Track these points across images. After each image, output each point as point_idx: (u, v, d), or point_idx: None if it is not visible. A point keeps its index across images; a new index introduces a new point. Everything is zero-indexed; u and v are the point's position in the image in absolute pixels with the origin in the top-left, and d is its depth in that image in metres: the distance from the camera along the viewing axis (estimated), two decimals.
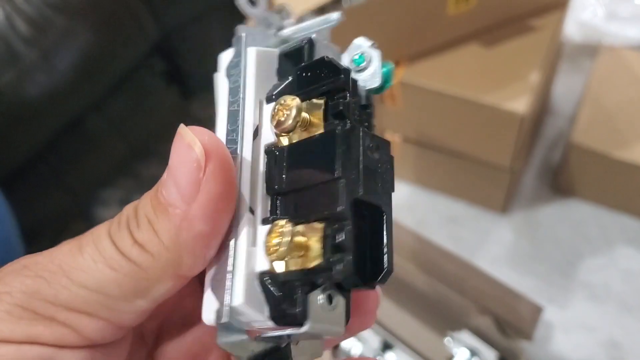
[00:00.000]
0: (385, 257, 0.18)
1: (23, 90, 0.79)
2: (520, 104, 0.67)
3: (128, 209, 0.19)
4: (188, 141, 0.17)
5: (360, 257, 0.17)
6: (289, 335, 0.18)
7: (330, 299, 0.17)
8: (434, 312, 0.61)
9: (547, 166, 0.90)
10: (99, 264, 0.17)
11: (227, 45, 0.23)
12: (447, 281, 0.56)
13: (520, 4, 0.72)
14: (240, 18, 0.80)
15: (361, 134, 0.18)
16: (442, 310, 0.60)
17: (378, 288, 0.19)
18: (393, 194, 0.19)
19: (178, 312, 0.23)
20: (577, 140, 0.78)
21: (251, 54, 0.21)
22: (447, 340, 0.58)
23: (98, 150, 0.97)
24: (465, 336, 0.57)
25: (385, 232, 0.18)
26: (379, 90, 0.20)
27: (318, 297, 0.17)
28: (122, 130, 0.98)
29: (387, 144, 0.19)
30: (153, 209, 0.18)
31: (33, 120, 0.82)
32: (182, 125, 0.18)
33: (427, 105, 0.73)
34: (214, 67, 0.22)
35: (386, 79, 0.20)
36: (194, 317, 0.22)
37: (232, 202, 0.18)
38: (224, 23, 0.99)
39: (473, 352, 0.56)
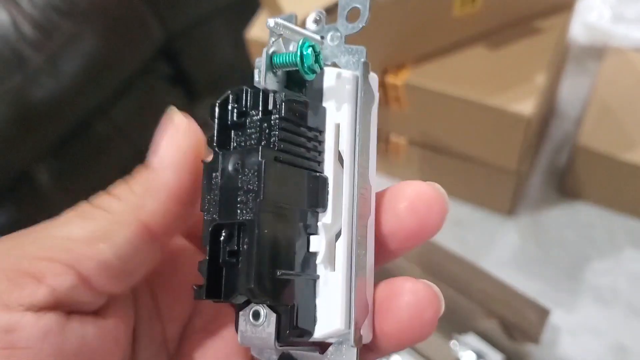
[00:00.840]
0: (241, 276, 0.18)
1: (29, 94, 0.79)
2: (526, 106, 0.66)
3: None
4: (169, 115, 0.20)
5: (214, 278, 0.19)
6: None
7: (255, 316, 0.19)
8: (441, 315, 0.61)
9: (553, 169, 0.89)
10: (70, 217, 0.19)
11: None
12: (453, 284, 0.55)
13: (526, 5, 0.72)
14: (245, 21, 0.80)
15: (220, 158, 0.19)
16: (448, 313, 0.60)
17: (412, 284, 0.20)
18: None
19: (200, 316, 0.23)
20: (583, 143, 0.77)
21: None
22: (453, 343, 0.58)
23: (104, 153, 0.97)
24: (471, 339, 0.57)
25: (246, 245, 0.18)
26: (307, 73, 0.20)
27: (242, 314, 0.19)
28: (128, 134, 0.98)
29: (256, 151, 0.19)
30: (133, 174, 0.20)
31: (39, 124, 0.82)
32: (172, 107, 0.20)
33: (433, 107, 0.72)
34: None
35: (305, 57, 0.20)
36: (217, 322, 0.22)
37: (196, 164, 0.19)
38: (229, 26, 0.99)
39: (479, 355, 0.56)
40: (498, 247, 0.84)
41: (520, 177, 0.80)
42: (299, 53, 0.19)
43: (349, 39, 0.23)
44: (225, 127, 0.20)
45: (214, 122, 0.20)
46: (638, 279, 0.78)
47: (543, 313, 0.53)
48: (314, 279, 0.20)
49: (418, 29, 0.68)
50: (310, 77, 0.20)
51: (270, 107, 0.19)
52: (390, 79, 0.71)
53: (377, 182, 0.22)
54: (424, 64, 0.72)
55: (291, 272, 0.19)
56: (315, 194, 0.20)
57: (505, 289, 0.55)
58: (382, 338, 0.20)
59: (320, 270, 0.20)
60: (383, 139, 0.83)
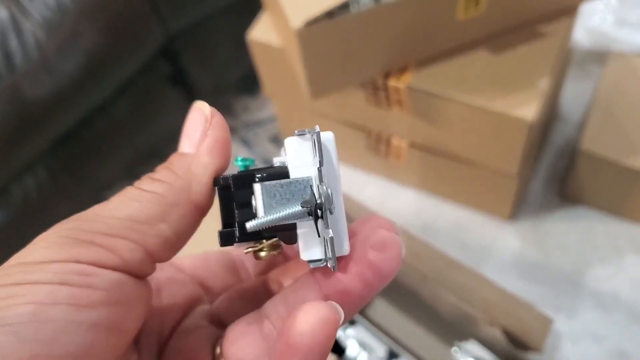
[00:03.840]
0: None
1: (28, 92, 0.79)
2: (529, 110, 0.66)
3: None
4: (199, 107, 0.24)
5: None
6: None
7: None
8: (441, 322, 0.60)
9: (554, 173, 0.89)
10: (125, 202, 0.22)
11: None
12: (455, 291, 0.55)
13: (530, 10, 0.71)
14: (246, 22, 0.79)
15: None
16: (449, 320, 0.59)
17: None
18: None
19: (189, 318, 0.27)
20: (586, 147, 0.77)
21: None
22: (454, 350, 0.57)
23: (103, 151, 0.97)
24: (472, 346, 0.56)
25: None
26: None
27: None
28: (128, 133, 0.98)
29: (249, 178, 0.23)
30: (169, 160, 0.23)
31: (38, 121, 0.82)
32: (197, 101, 0.24)
33: (435, 110, 0.72)
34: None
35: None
36: (198, 323, 0.26)
37: (229, 147, 0.24)
38: (230, 26, 0.99)
39: None
40: (498, 251, 0.83)
41: (522, 182, 0.80)
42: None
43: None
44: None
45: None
46: None
47: (546, 322, 0.53)
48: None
49: (421, 32, 0.68)
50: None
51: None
52: (393, 82, 0.70)
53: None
54: (426, 67, 0.71)
55: None
56: None
57: (508, 297, 0.55)
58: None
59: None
60: (384, 142, 0.82)
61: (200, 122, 0.23)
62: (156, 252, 0.22)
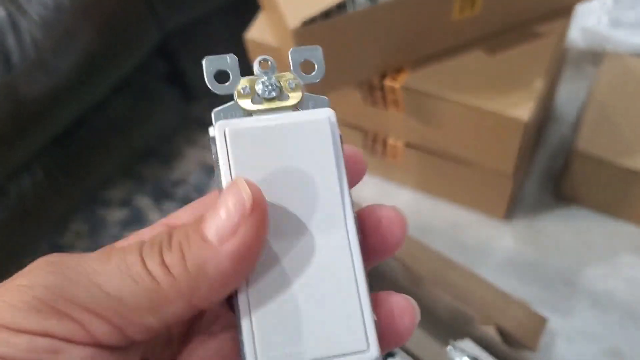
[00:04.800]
0: None
1: (25, 91, 0.78)
2: (524, 110, 0.66)
3: (162, 233, 0.20)
4: (241, 188, 0.20)
5: None
6: None
7: None
8: (437, 321, 0.61)
9: (549, 173, 0.89)
10: (123, 274, 0.19)
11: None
12: (451, 291, 0.55)
13: (525, 10, 0.72)
14: (243, 21, 0.79)
15: None
16: (444, 318, 0.59)
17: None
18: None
19: (206, 319, 0.24)
20: (580, 147, 0.77)
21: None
22: (449, 348, 0.57)
23: (99, 150, 0.97)
24: (468, 345, 0.57)
25: None
26: None
27: None
28: (124, 131, 0.98)
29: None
30: (187, 237, 0.20)
31: (35, 120, 0.82)
32: (239, 177, 0.20)
33: (430, 110, 0.72)
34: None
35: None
36: (218, 326, 0.23)
37: (257, 255, 0.20)
38: (226, 25, 0.99)
39: None
40: (494, 251, 0.84)
41: (517, 181, 0.80)
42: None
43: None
44: None
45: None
46: (634, 284, 0.78)
47: (541, 321, 0.53)
48: None
49: (417, 32, 0.68)
50: None
51: None
52: (389, 82, 0.71)
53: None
54: (422, 67, 0.71)
55: None
56: None
57: (503, 296, 0.55)
58: None
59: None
60: (380, 142, 0.82)
61: (236, 211, 0.19)
62: (136, 337, 0.20)
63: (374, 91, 0.73)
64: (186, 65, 1.00)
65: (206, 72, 0.22)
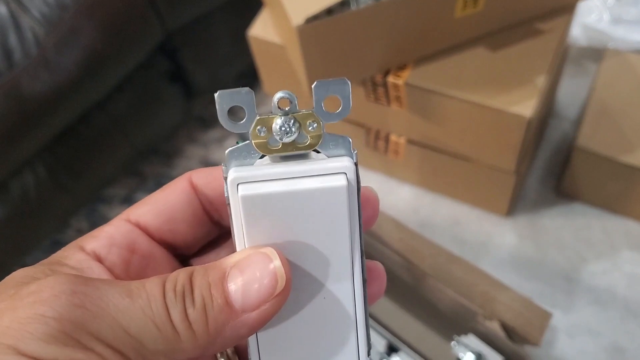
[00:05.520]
0: None
1: (27, 88, 0.78)
2: (526, 107, 0.67)
3: (183, 276, 0.21)
4: (276, 268, 0.21)
5: None
6: None
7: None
8: (440, 316, 0.61)
9: (550, 170, 0.90)
10: (147, 319, 0.20)
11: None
12: (454, 286, 0.56)
13: (527, 7, 0.72)
14: (245, 18, 0.79)
15: None
16: (448, 314, 0.60)
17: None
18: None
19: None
20: (582, 144, 0.77)
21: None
22: (453, 344, 0.58)
23: (101, 148, 0.97)
24: (471, 340, 0.57)
25: None
26: None
27: None
28: (126, 129, 0.98)
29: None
30: (212, 297, 0.21)
31: (37, 118, 0.82)
32: (272, 250, 0.21)
33: (433, 107, 0.73)
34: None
35: None
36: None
37: (270, 318, 0.21)
38: (229, 23, 0.99)
39: (479, 356, 0.56)
40: (495, 247, 0.84)
41: (519, 178, 0.80)
42: None
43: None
44: None
45: None
46: (635, 280, 0.78)
47: (545, 316, 0.54)
48: None
49: (420, 29, 0.68)
50: None
51: None
52: (392, 79, 0.71)
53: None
54: (425, 64, 0.72)
55: None
56: None
57: (507, 291, 0.55)
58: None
59: None
60: (383, 138, 0.83)
61: (268, 289, 0.20)
62: None
63: (377, 88, 0.73)
64: (188, 63, 1.00)
65: (219, 109, 0.21)
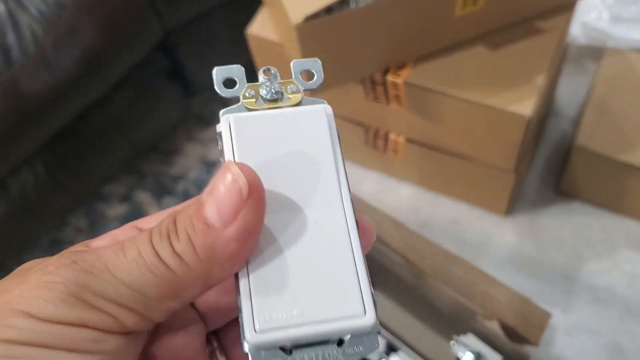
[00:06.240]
0: None
1: (26, 87, 0.78)
2: (526, 106, 0.66)
3: (167, 220, 0.22)
4: (234, 175, 0.21)
5: None
6: None
7: None
8: (440, 316, 0.61)
9: (550, 168, 0.90)
10: (141, 268, 0.21)
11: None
12: (454, 285, 0.56)
13: (527, 6, 0.72)
14: (243, 16, 0.79)
15: None
16: (447, 313, 0.60)
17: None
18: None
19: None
20: (581, 143, 0.77)
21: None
22: (452, 343, 0.58)
23: (100, 146, 0.97)
24: (471, 339, 0.57)
25: None
26: None
27: None
28: (124, 127, 0.98)
29: None
30: (193, 226, 0.21)
31: (35, 116, 0.82)
32: (229, 161, 0.21)
33: (432, 106, 0.72)
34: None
35: None
36: (187, 319, 0.25)
37: (259, 233, 0.22)
38: (227, 21, 0.99)
39: (478, 356, 0.56)
40: (494, 246, 0.84)
41: (518, 177, 0.80)
42: None
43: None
44: None
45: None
46: (634, 279, 0.78)
47: (544, 316, 0.53)
48: None
49: (419, 27, 0.68)
50: None
51: None
52: (391, 77, 0.71)
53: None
54: (424, 62, 0.72)
55: None
56: None
57: (506, 291, 0.55)
58: None
59: None
60: (382, 137, 0.83)
61: (234, 196, 0.20)
62: (160, 320, 0.22)
63: (376, 86, 0.73)
64: (186, 61, 1.00)
65: (215, 80, 0.24)
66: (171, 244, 0.21)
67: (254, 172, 0.21)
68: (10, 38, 0.77)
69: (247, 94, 0.24)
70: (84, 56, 0.82)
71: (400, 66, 0.72)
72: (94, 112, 0.91)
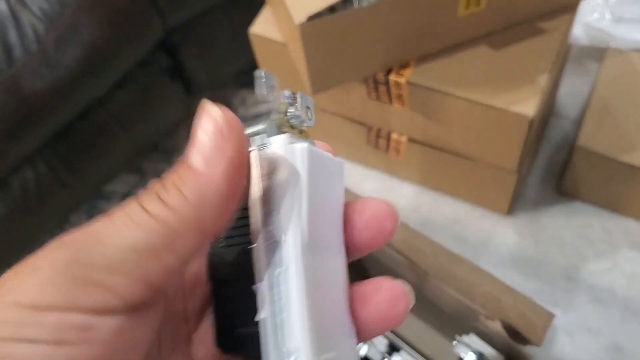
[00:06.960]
0: None
1: (27, 85, 0.78)
2: (529, 106, 0.66)
3: (156, 181, 0.21)
4: (210, 112, 0.20)
5: None
6: None
7: None
8: (442, 316, 0.61)
9: (551, 168, 0.90)
10: (129, 226, 0.19)
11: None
12: (456, 285, 0.56)
13: (530, 6, 0.72)
14: (246, 15, 0.79)
15: None
16: (450, 313, 0.60)
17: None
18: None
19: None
20: (582, 143, 0.77)
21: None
22: (455, 343, 0.58)
23: (101, 144, 0.97)
24: (473, 340, 0.57)
25: None
26: None
27: None
28: (126, 126, 0.98)
29: None
30: (180, 176, 0.20)
31: (37, 114, 0.82)
32: (205, 100, 0.21)
33: (435, 106, 0.72)
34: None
35: None
36: None
37: (246, 168, 0.21)
38: (229, 20, 0.99)
39: (480, 356, 0.56)
40: (495, 246, 0.84)
41: (520, 177, 0.80)
42: None
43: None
44: None
45: None
46: (635, 279, 0.78)
47: (547, 316, 0.54)
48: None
49: (422, 28, 0.68)
50: None
51: None
52: (394, 77, 0.71)
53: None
54: (427, 62, 0.72)
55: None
56: None
57: (509, 291, 0.55)
58: (364, 326, 0.24)
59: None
60: (384, 137, 0.83)
61: (214, 134, 0.20)
62: (159, 283, 0.20)
63: (379, 86, 0.73)
64: (189, 60, 1.00)
65: (262, 84, 0.24)
66: (159, 197, 0.20)
67: (229, 110, 0.21)
68: (12, 36, 0.77)
69: (287, 115, 0.24)
70: (85, 54, 0.82)
71: (403, 66, 0.72)
72: (96, 110, 0.91)
